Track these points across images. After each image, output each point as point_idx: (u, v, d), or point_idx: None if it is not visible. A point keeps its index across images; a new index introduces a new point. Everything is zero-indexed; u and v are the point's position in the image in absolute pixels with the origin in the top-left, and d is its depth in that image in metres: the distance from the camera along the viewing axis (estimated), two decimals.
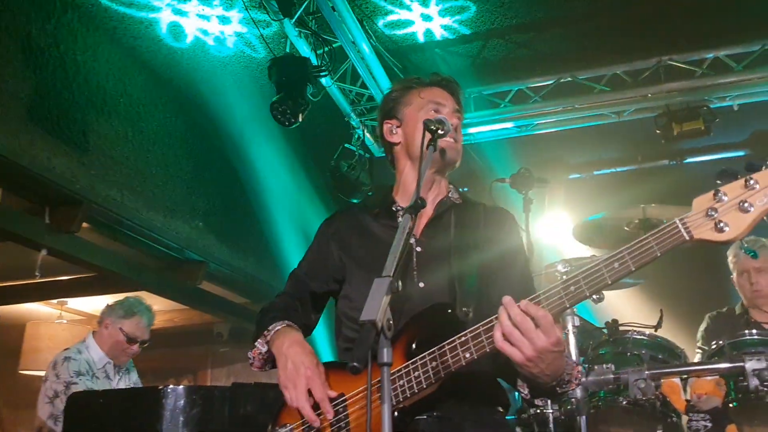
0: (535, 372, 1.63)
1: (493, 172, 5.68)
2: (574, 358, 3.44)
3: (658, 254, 1.58)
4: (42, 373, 4.79)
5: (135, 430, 3.28)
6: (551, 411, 3.57)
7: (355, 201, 5.36)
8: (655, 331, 3.63)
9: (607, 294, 3.97)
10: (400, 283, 1.59)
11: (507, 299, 1.62)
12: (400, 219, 2.07)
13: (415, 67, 5.20)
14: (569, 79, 5.41)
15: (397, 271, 1.61)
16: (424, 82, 2.24)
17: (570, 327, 3.47)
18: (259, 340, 2.04)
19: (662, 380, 3.29)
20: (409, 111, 2.20)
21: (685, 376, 3.44)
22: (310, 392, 1.85)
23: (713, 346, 3.38)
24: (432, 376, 1.71)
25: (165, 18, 4.69)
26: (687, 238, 1.57)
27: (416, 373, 1.73)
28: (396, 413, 1.74)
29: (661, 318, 3.62)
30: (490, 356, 1.69)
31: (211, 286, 6.26)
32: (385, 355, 1.50)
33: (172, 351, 7.85)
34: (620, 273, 1.60)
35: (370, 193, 5.46)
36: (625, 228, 3.92)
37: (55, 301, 6.44)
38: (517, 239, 2.16)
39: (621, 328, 3.69)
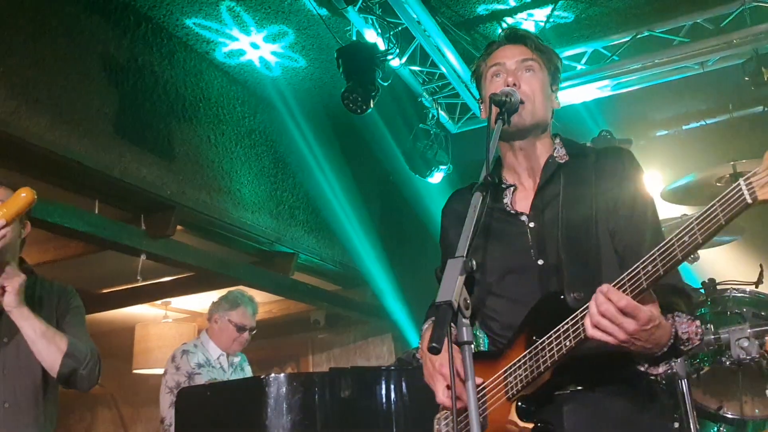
0: (635, 350, 1.62)
1: (574, 138, 5.54)
2: None
3: (723, 222, 1.44)
4: (153, 371, 5.06)
5: (242, 419, 3.43)
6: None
7: (433, 181, 5.35)
8: (756, 287, 3.49)
9: (702, 253, 3.84)
10: (474, 262, 1.59)
11: (598, 289, 1.59)
12: (506, 198, 2.02)
13: (484, 39, 5.13)
14: (647, 33, 5.20)
15: (470, 250, 1.60)
16: (491, 48, 2.10)
17: None
18: (420, 340, 2.13)
19: (766, 338, 3.16)
20: (482, 86, 2.11)
21: None
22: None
23: None
24: (541, 365, 1.73)
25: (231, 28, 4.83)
26: (750, 201, 1.40)
27: (530, 363, 1.76)
28: (520, 403, 1.78)
29: (761, 274, 3.47)
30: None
31: (303, 276, 6.41)
32: (465, 333, 1.53)
33: (274, 341, 8.10)
34: (690, 247, 1.50)
35: (448, 169, 5.43)
36: (717, 184, 3.77)
37: (159, 302, 6.74)
38: (634, 183, 1.93)
39: (719, 287, 3.56)
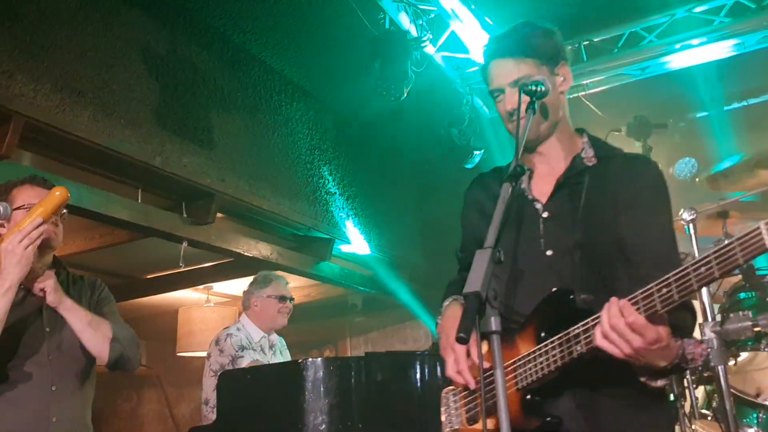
0: (639, 365, 1.67)
1: (613, 121, 5.48)
2: (707, 304, 3.33)
3: (741, 262, 1.45)
4: (196, 354, 5.18)
5: (281, 402, 3.52)
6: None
7: (468, 166, 5.36)
8: None
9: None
10: (501, 252, 1.62)
11: (612, 300, 1.64)
12: (523, 182, 2.01)
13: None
14: (685, 14, 5.11)
15: (499, 240, 1.64)
16: (484, 65, 2.05)
17: None
18: (439, 317, 2.17)
19: None
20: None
21: None
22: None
23: None
24: (551, 363, 1.76)
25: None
26: None
27: (540, 359, 1.79)
28: (528, 396, 1.82)
29: None
30: None
31: (339, 261, 6.48)
32: (493, 323, 1.57)
33: (312, 324, 8.22)
34: (706, 279, 1.51)
35: (480, 154, 5.43)
36: (756, 169, 3.71)
37: (201, 286, 6.86)
38: (656, 194, 1.93)
39: (758, 272, 3.52)
